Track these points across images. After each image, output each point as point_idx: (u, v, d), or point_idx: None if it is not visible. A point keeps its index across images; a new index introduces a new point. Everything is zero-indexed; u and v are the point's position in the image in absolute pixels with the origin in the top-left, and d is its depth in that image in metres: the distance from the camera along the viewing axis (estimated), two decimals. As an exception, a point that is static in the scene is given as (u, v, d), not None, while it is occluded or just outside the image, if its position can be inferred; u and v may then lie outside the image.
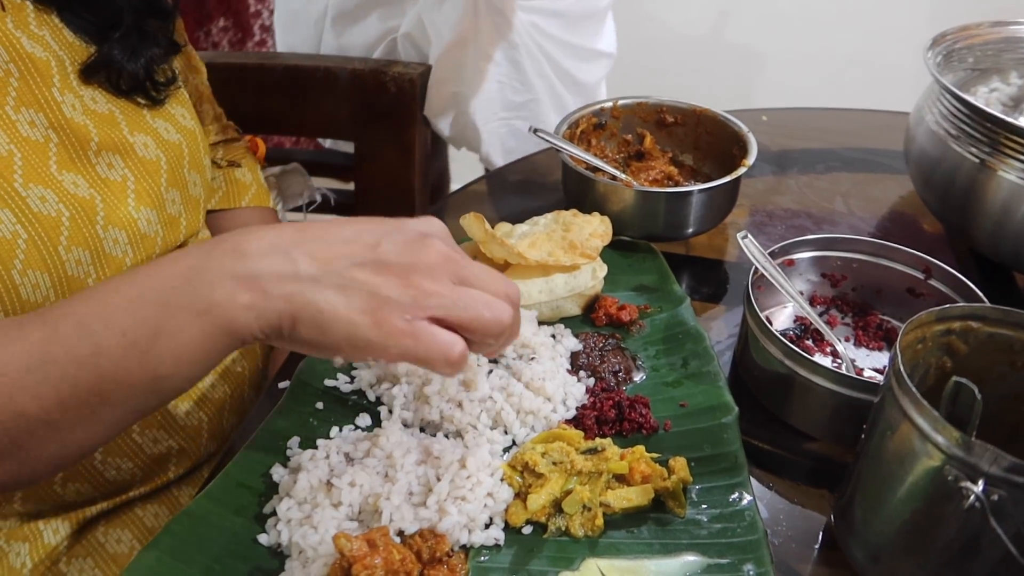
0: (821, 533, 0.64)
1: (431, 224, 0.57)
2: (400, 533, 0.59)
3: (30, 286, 0.65)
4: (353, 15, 1.34)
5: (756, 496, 0.63)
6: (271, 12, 2.47)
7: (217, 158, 1.04)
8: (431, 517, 0.59)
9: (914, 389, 0.49)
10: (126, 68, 0.74)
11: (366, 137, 1.30)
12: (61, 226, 0.67)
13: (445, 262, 0.53)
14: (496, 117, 1.32)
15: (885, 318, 0.80)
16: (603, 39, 1.40)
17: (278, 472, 0.65)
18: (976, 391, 0.49)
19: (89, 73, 0.73)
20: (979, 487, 0.46)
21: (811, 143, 1.15)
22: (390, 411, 0.71)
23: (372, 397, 0.73)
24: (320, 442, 0.66)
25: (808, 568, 0.62)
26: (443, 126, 1.36)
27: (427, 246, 0.53)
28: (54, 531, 0.77)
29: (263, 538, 0.61)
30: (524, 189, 1.08)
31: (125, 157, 0.73)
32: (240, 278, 0.51)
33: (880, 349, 0.78)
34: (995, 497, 0.46)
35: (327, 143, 1.58)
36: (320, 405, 0.71)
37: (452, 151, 1.65)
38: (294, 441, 0.68)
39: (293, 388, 0.72)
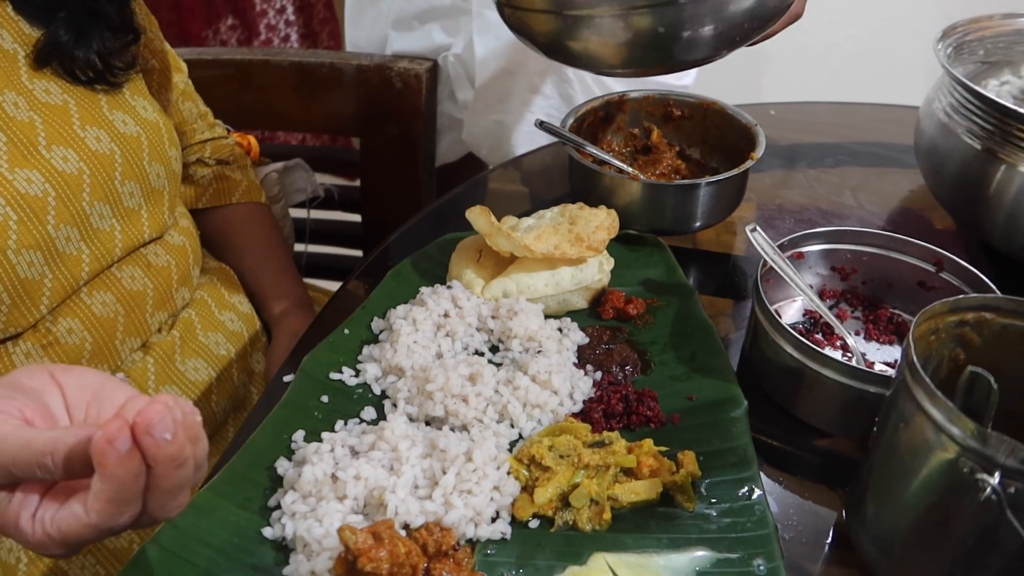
0: (832, 528, 0.63)
1: None
2: (406, 526, 0.58)
3: None
4: (410, 24, 1.31)
5: (766, 491, 0.62)
6: (277, 11, 2.47)
7: (205, 157, 1.03)
8: (437, 510, 0.59)
9: (928, 380, 0.48)
10: (75, 53, 0.73)
11: (371, 133, 1.29)
12: (8, 229, 0.66)
13: None
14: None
15: (896, 312, 0.79)
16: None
17: (283, 465, 0.64)
18: (992, 381, 0.48)
19: (40, 61, 0.72)
20: (995, 479, 0.46)
21: (820, 137, 1.14)
22: (395, 405, 0.70)
23: (377, 391, 0.72)
24: (325, 435, 0.65)
25: (819, 564, 0.61)
26: (483, 152, 1.34)
27: None
28: None
29: (268, 531, 0.60)
30: (530, 183, 1.07)
31: (78, 151, 0.73)
32: None
33: (891, 343, 0.77)
34: (1012, 490, 0.45)
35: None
36: (325, 399, 0.71)
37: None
38: (299, 435, 0.67)
39: (298, 381, 0.72)
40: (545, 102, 1.27)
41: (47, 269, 0.70)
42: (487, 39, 1.23)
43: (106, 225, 0.75)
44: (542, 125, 0.92)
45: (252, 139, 1.18)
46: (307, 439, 0.67)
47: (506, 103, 1.27)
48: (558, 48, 0.78)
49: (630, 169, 0.95)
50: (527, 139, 1.28)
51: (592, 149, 0.93)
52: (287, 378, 0.73)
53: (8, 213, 0.66)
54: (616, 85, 1.27)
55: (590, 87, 1.26)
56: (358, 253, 1.41)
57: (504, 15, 0.79)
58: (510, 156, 1.30)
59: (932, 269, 0.76)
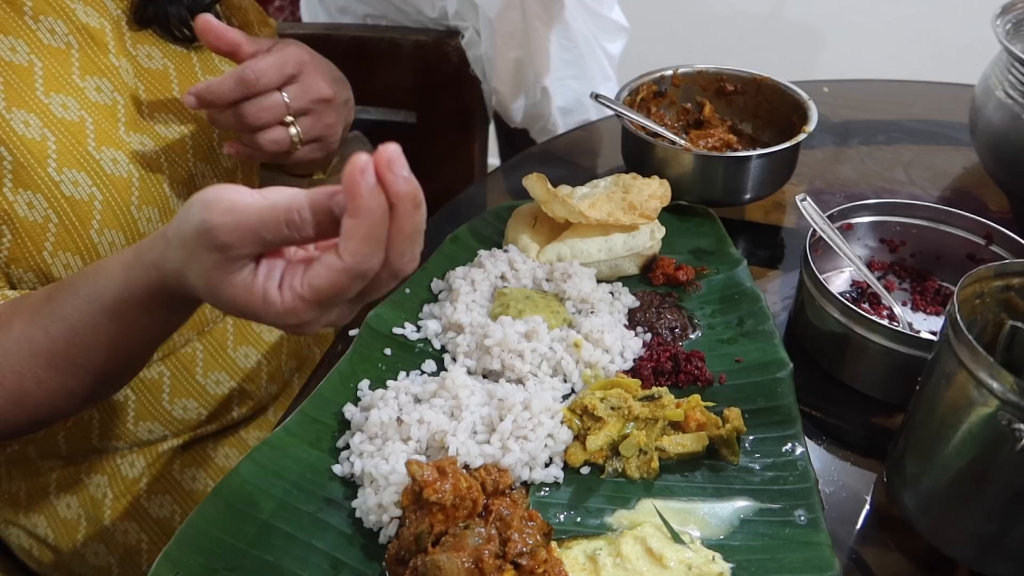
0: (872, 485, 0.65)
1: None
2: (466, 467, 0.62)
3: (107, 244, 0.70)
4: None
5: (808, 450, 0.65)
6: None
7: None
8: (494, 453, 0.62)
9: (971, 337, 0.50)
10: (168, 9, 0.76)
11: (428, 106, 1.33)
12: (132, 186, 0.71)
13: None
14: (555, 78, 1.31)
15: (944, 284, 0.80)
16: (615, 11, 1.39)
17: (350, 410, 0.69)
18: (1033, 337, 0.50)
19: (140, 22, 0.75)
20: (1033, 432, 0.48)
21: (873, 114, 1.14)
22: (454, 359, 0.74)
23: (437, 345, 0.76)
24: (390, 383, 0.70)
25: (859, 517, 0.63)
26: (515, 109, 1.35)
27: None
28: (130, 465, 0.83)
29: (337, 468, 0.65)
30: (584, 155, 1.10)
31: (178, 115, 0.77)
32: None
33: (937, 314, 0.78)
34: (1049, 442, 0.47)
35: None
36: (388, 351, 0.75)
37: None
38: (364, 383, 0.72)
39: (363, 335, 0.76)
40: (545, 28, 1.26)
41: (160, 225, 0.75)
42: None
43: (208, 184, 0.80)
44: (598, 98, 0.95)
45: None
46: (372, 387, 0.71)
47: (519, 36, 1.25)
48: None
49: (682, 141, 0.97)
50: (544, 69, 1.28)
51: (645, 122, 0.95)
52: (352, 332, 0.78)
53: (132, 171, 0.71)
54: (586, 16, 1.29)
55: (573, 11, 1.27)
56: (412, 224, 1.45)
57: None
58: (541, 94, 1.30)
59: (982, 242, 0.77)
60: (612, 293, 0.80)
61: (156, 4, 0.76)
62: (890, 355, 0.68)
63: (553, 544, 0.58)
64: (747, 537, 0.59)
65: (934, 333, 0.76)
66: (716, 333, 0.76)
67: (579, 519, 0.61)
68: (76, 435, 0.79)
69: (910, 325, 0.75)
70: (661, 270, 0.82)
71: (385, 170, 0.44)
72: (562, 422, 0.66)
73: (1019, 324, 0.50)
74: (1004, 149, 0.88)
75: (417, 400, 0.68)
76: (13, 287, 0.69)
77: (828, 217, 0.77)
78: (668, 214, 0.88)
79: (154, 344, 0.63)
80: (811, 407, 0.71)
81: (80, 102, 0.69)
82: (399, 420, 0.65)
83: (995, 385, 0.49)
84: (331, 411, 0.70)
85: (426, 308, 0.80)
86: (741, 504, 0.62)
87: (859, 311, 0.69)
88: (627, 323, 0.78)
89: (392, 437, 0.64)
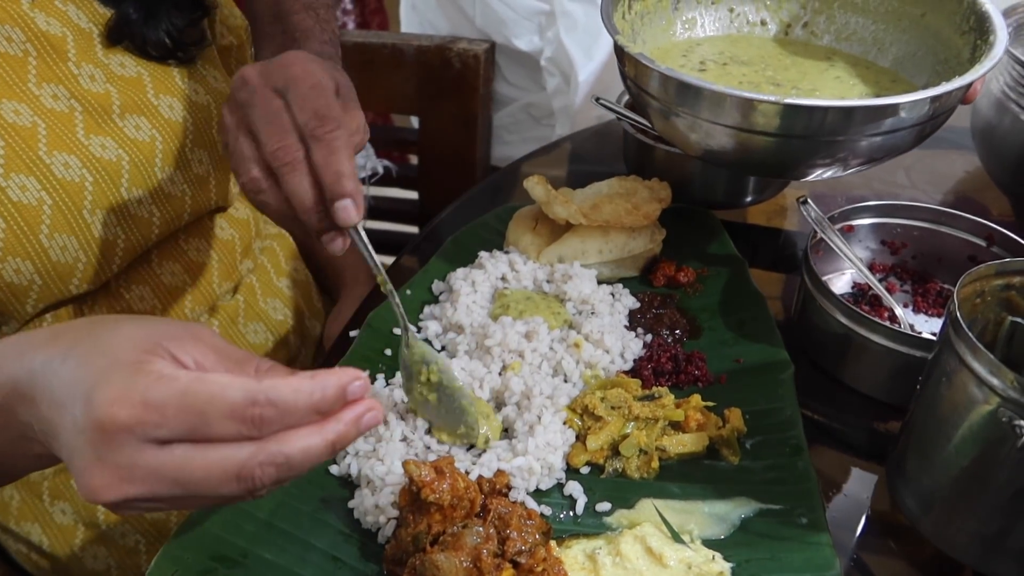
0: (874, 486, 0.65)
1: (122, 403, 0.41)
2: (463, 466, 0.62)
3: (58, 249, 0.69)
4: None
5: (809, 452, 0.64)
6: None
7: None
8: (505, 467, 0.62)
9: (971, 335, 0.50)
10: (146, 32, 0.76)
11: (430, 112, 1.33)
12: (84, 190, 0.70)
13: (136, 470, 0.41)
14: None
15: (945, 286, 0.80)
16: None
17: (349, 410, 0.69)
18: (1034, 333, 0.50)
19: (112, 39, 0.75)
20: (1034, 429, 0.47)
21: (874, 118, 1.13)
22: (454, 358, 0.74)
23: (438, 346, 0.76)
24: (383, 382, 0.69)
25: (860, 519, 0.63)
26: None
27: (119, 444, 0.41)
28: None
29: (334, 469, 0.65)
30: (585, 157, 1.10)
31: (151, 118, 0.76)
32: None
33: (939, 315, 0.78)
34: (1050, 439, 0.47)
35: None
36: (388, 351, 0.75)
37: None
38: (364, 383, 0.71)
39: (364, 335, 0.76)
40: None
41: (119, 230, 0.74)
42: (577, 36, 1.25)
43: (177, 191, 0.79)
44: (598, 101, 0.95)
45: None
46: (372, 388, 0.71)
47: (609, 94, 1.28)
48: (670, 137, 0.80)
49: (683, 145, 0.96)
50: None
51: (647, 124, 0.95)
52: (352, 333, 0.78)
53: (85, 175, 0.70)
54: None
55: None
56: (414, 229, 1.46)
57: (626, 84, 0.81)
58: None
59: (983, 244, 0.77)
60: (613, 294, 0.80)
61: (131, 26, 0.75)
62: (891, 356, 0.68)
63: (552, 543, 0.57)
64: (747, 537, 0.59)
65: (935, 335, 0.75)
66: (717, 334, 0.76)
67: (579, 518, 0.61)
68: None
69: (911, 327, 0.75)
70: (662, 272, 0.82)
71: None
72: (564, 422, 0.65)
73: (1019, 320, 0.50)
74: (1006, 151, 0.88)
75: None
76: None
77: (829, 219, 0.77)
78: (669, 216, 0.88)
79: None
80: (812, 408, 0.71)
81: (33, 108, 0.68)
82: (385, 422, 0.65)
83: (995, 382, 0.49)
84: (330, 411, 0.70)
85: (427, 309, 0.80)
86: (741, 504, 0.61)
87: (860, 312, 0.68)
88: (627, 324, 0.77)
89: (386, 437, 0.64)
